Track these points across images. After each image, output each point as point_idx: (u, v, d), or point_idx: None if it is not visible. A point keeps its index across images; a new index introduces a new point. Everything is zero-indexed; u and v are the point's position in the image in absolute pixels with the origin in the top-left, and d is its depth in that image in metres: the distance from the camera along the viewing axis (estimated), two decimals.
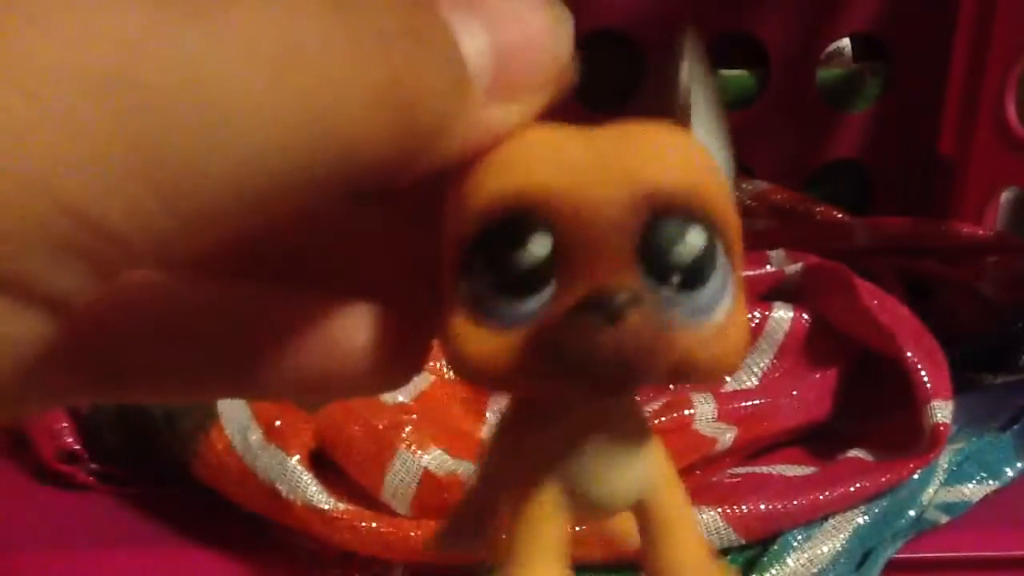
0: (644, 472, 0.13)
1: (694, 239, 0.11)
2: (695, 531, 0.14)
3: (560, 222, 0.11)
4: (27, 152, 0.09)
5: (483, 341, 0.12)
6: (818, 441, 0.38)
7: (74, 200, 0.09)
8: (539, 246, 0.11)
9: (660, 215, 0.11)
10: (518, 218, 0.11)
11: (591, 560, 0.31)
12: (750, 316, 0.38)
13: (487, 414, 0.36)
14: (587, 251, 0.11)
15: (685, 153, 0.12)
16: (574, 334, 0.11)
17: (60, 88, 0.09)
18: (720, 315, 0.12)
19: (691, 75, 0.13)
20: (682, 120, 0.13)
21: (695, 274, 0.11)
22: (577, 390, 0.12)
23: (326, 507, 0.31)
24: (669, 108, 0.13)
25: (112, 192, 0.09)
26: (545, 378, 0.11)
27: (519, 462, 0.13)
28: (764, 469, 0.35)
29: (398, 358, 0.14)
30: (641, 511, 0.14)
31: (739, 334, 0.12)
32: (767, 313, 0.38)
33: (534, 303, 0.11)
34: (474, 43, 0.12)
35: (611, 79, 0.54)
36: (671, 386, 0.31)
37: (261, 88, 0.10)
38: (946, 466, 0.35)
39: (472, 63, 0.12)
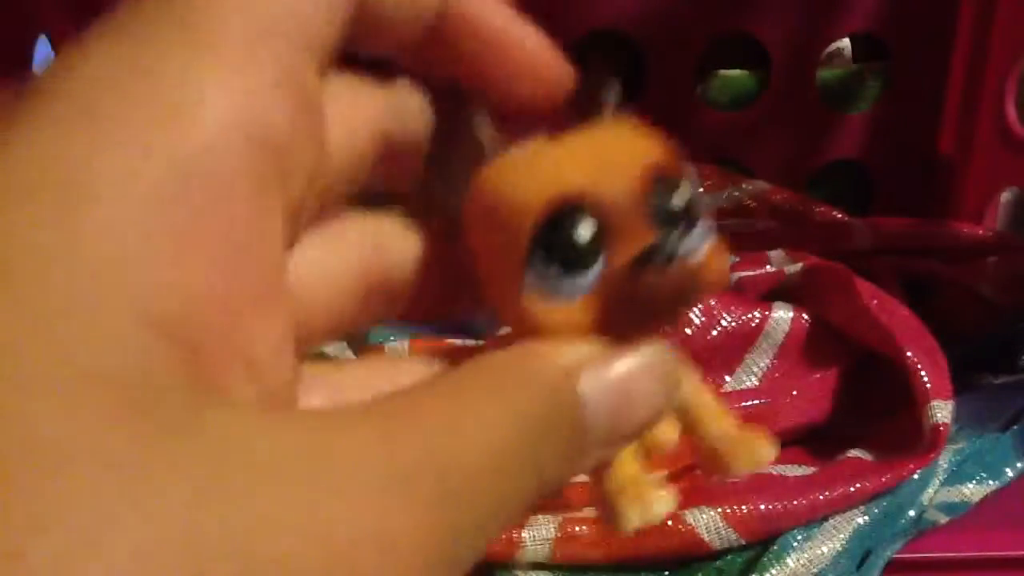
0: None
1: (684, 191, 0.15)
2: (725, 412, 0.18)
3: (595, 209, 0.15)
4: None
5: (556, 313, 0.15)
6: (818, 441, 0.38)
7: None
8: (586, 228, 0.15)
9: (656, 182, 0.15)
10: (566, 213, 0.15)
11: (591, 560, 0.31)
12: (750, 316, 0.38)
13: None
14: (620, 224, 0.15)
15: (642, 137, 0.16)
16: (645, 280, 0.15)
17: None
18: (709, 244, 0.16)
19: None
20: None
21: (691, 215, 0.15)
22: (647, 325, 0.15)
23: None
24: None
25: None
26: (619, 324, 0.15)
27: None
28: (764, 469, 0.35)
29: None
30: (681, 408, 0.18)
31: (725, 255, 0.16)
32: (767, 313, 0.38)
33: (591, 275, 0.15)
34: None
35: None
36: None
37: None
38: (946, 466, 0.35)
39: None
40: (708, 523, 0.31)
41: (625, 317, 0.15)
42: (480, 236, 0.16)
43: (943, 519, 0.34)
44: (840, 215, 0.50)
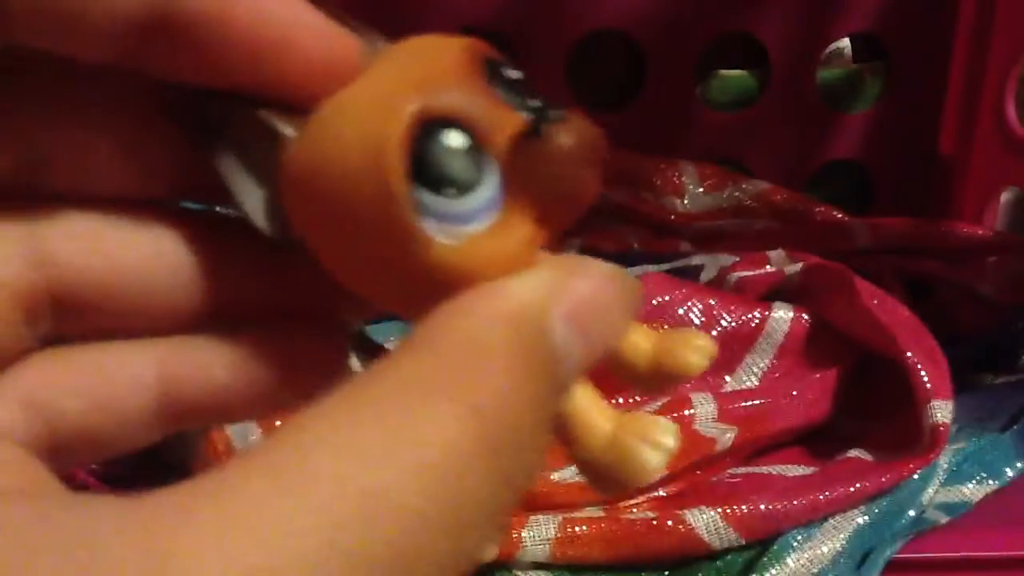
0: None
1: (508, 65, 0.14)
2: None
3: (450, 116, 0.13)
4: None
5: (476, 247, 0.13)
6: (818, 441, 0.38)
7: None
8: (455, 136, 0.13)
9: (483, 65, 0.14)
10: (425, 133, 0.13)
11: (591, 560, 0.31)
12: (750, 316, 0.38)
13: None
14: (482, 119, 0.13)
15: (441, 40, 0.14)
16: (551, 146, 0.13)
17: None
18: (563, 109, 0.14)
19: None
20: None
21: (530, 83, 0.14)
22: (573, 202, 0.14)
23: None
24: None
25: None
26: (546, 219, 0.13)
27: None
28: (764, 469, 0.35)
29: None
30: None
31: (583, 118, 0.14)
32: (767, 313, 0.38)
33: (490, 182, 0.13)
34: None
35: (611, 79, 0.54)
36: None
37: None
38: (946, 466, 0.35)
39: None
40: (708, 523, 0.31)
41: (549, 208, 0.13)
42: (328, 215, 0.13)
43: (943, 519, 0.34)
44: (840, 215, 0.50)
